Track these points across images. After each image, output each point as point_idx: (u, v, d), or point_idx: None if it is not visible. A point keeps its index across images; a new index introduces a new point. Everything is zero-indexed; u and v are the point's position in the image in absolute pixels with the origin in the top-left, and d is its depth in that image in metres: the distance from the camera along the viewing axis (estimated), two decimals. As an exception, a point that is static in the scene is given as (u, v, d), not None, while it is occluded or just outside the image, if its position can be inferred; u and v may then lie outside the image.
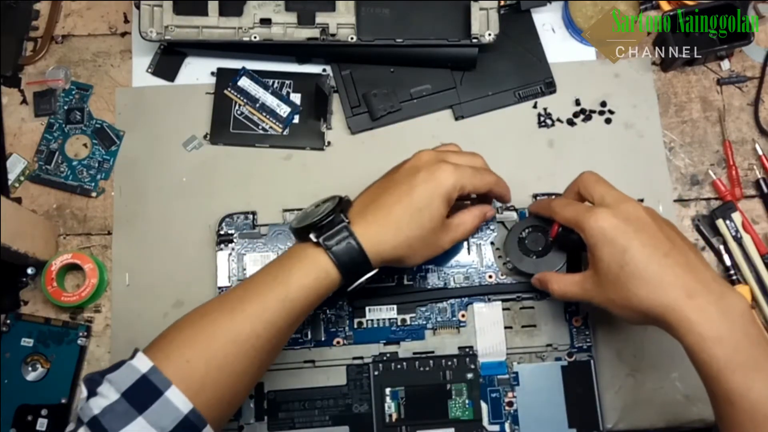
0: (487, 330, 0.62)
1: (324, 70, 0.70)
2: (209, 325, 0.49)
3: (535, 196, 0.65)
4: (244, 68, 0.69)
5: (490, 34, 0.66)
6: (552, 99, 0.69)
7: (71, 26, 0.71)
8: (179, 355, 0.47)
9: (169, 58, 0.70)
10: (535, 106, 0.69)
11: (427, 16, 0.67)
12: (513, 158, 0.67)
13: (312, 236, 0.51)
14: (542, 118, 0.69)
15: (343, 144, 0.68)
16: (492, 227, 0.65)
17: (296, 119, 0.68)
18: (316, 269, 0.51)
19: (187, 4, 0.66)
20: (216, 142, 0.68)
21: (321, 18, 0.66)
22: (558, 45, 0.70)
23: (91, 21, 0.72)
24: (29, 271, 0.63)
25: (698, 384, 0.49)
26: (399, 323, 0.63)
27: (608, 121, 0.69)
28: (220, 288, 0.63)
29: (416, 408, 0.61)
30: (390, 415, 0.61)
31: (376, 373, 0.61)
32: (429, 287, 0.63)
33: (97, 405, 0.45)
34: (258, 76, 0.69)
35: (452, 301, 0.63)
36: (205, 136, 0.68)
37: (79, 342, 0.63)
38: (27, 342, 0.63)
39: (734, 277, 0.65)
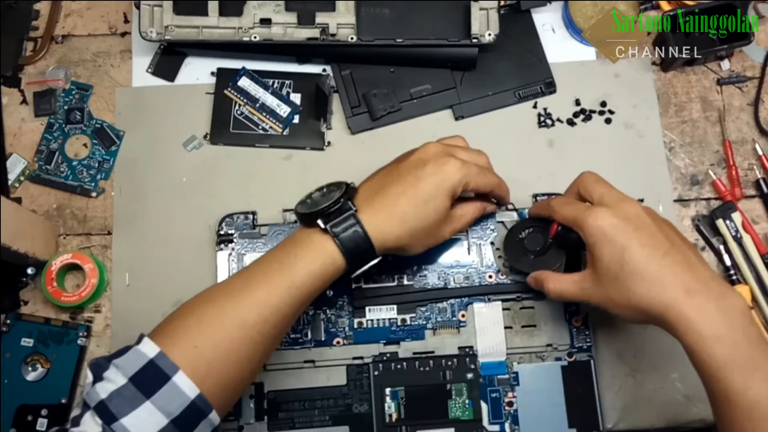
0: (487, 330, 0.62)
1: (324, 70, 0.70)
2: (216, 311, 0.49)
3: (535, 196, 0.65)
4: (244, 68, 0.69)
5: (490, 34, 0.66)
6: (552, 99, 0.69)
7: (71, 26, 0.71)
8: (186, 341, 0.47)
9: (169, 58, 0.70)
10: (535, 106, 0.69)
11: (427, 16, 0.67)
12: (513, 158, 0.67)
13: (320, 222, 0.52)
14: (542, 118, 0.69)
15: (343, 144, 0.68)
16: (492, 227, 0.65)
17: (296, 119, 0.68)
18: (323, 256, 0.51)
19: (187, 4, 0.66)
20: (216, 142, 0.68)
21: (321, 18, 0.66)
22: (558, 45, 0.70)
23: (91, 21, 0.72)
24: (29, 271, 0.63)
25: (698, 384, 0.49)
26: (399, 323, 0.63)
27: (608, 121, 0.69)
28: (220, 288, 0.63)
29: (416, 408, 0.61)
30: (390, 415, 0.61)
31: (376, 373, 0.61)
32: (429, 287, 0.63)
33: (104, 390, 0.45)
34: (258, 76, 0.69)
35: (452, 301, 0.63)
36: (205, 136, 0.68)
37: (79, 342, 0.63)
38: (27, 342, 0.63)
39: (734, 277, 0.65)
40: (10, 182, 0.67)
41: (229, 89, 0.68)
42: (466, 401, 0.61)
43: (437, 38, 0.66)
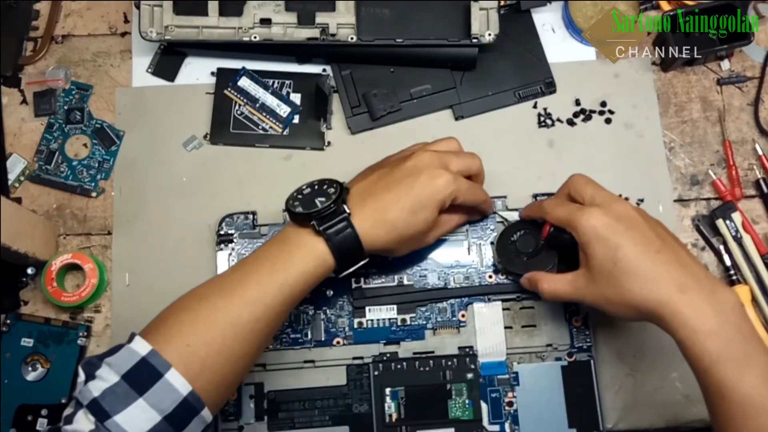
0: (487, 330, 0.62)
1: (324, 70, 0.70)
2: (209, 310, 0.50)
3: (535, 196, 0.65)
4: (244, 68, 0.69)
5: (490, 34, 0.66)
6: (552, 99, 0.69)
7: (71, 26, 0.71)
8: (179, 340, 0.48)
9: (169, 58, 0.70)
10: (535, 106, 0.69)
11: (427, 16, 0.67)
12: (513, 158, 0.67)
13: (314, 224, 0.52)
14: (542, 118, 0.69)
15: (343, 144, 0.68)
16: (492, 227, 0.65)
17: (296, 119, 0.68)
18: (315, 257, 0.52)
19: (187, 4, 0.66)
20: (216, 142, 0.68)
21: (321, 18, 0.66)
22: (558, 45, 0.70)
23: (91, 21, 0.72)
24: (29, 271, 0.63)
25: (698, 384, 0.49)
26: (399, 323, 0.63)
27: (608, 121, 0.69)
28: (220, 288, 0.63)
29: (416, 408, 0.61)
30: (390, 415, 0.61)
31: (376, 373, 0.61)
32: (429, 287, 0.63)
33: (97, 387, 0.46)
34: (258, 76, 0.69)
35: (452, 301, 0.63)
36: (205, 136, 0.68)
37: (79, 342, 0.63)
38: (27, 342, 0.63)
39: (734, 277, 0.65)
40: (10, 182, 0.67)
41: (229, 89, 0.68)
42: (466, 401, 0.61)
43: (437, 38, 0.66)
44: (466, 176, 0.58)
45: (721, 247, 0.65)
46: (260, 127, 0.68)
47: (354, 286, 0.63)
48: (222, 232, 0.64)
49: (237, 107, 0.68)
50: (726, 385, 0.46)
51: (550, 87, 0.69)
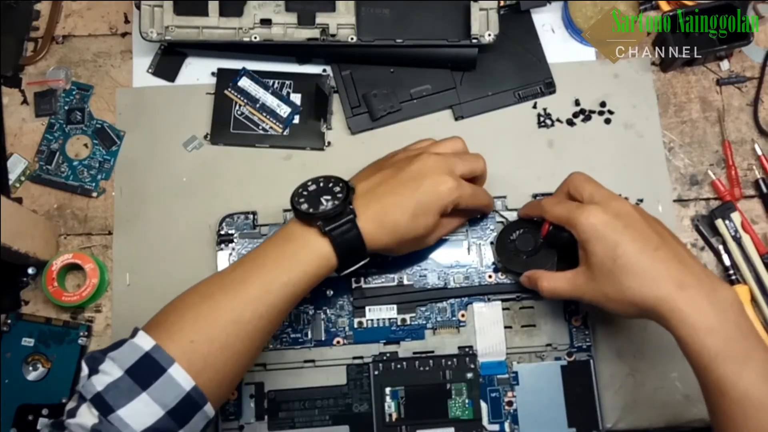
0: (487, 330, 0.62)
1: (324, 70, 0.70)
2: (211, 307, 0.50)
3: (534, 196, 0.66)
4: (244, 68, 0.69)
5: (489, 35, 0.66)
6: (552, 99, 0.69)
7: (72, 26, 0.71)
8: (183, 337, 0.48)
9: (169, 59, 0.70)
10: (534, 107, 0.69)
11: (427, 16, 0.67)
12: (513, 158, 0.68)
13: (320, 224, 0.52)
14: (542, 119, 0.69)
15: (343, 144, 0.68)
16: (492, 227, 0.65)
17: (296, 119, 0.68)
18: (319, 257, 0.52)
19: (188, 5, 0.66)
20: (216, 142, 0.68)
21: (321, 18, 0.66)
22: (558, 45, 0.70)
23: (91, 21, 0.72)
24: (30, 271, 0.63)
25: (698, 384, 0.49)
26: (399, 323, 0.63)
27: (608, 121, 0.69)
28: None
29: (416, 407, 0.61)
30: (390, 415, 0.61)
31: (376, 372, 0.61)
32: (429, 287, 0.63)
33: (100, 382, 0.46)
34: (258, 77, 0.69)
35: (452, 300, 0.63)
36: (205, 137, 0.68)
37: (79, 342, 0.63)
38: (28, 342, 0.63)
39: (733, 277, 0.65)
40: (10, 182, 0.67)
41: (229, 89, 0.69)
42: (466, 401, 0.61)
43: (437, 38, 0.66)
44: (469, 177, 0.58)
45: (721, 247, 0.65)
46: (260, 128, 0.68)
47: (354, 285, 0.63)
48: (222, 232, 0.64)
49: (237, 107, 0.68)
50: (725, 382, 0.47)
51: (549, 87, 0.69)
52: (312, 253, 0.52)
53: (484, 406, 0.61)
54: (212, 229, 0.65)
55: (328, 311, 0.63)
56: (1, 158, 0.68)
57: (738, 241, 0.65)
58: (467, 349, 0.62)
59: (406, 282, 0.64)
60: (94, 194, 0.67)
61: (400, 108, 0.68)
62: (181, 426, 0.47)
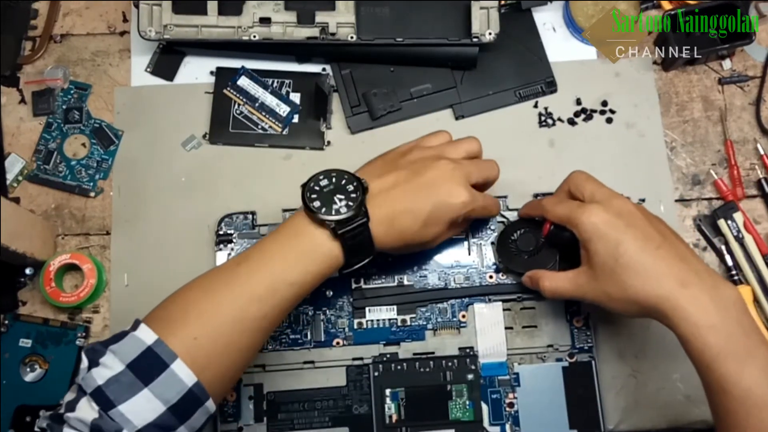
0: (488, 330, 0.62)
1: (324, 69, 0.69)
2: (215, 304, 0.50)
3: (535, 195, 0.65)
4: (243, 67, 0.69)
5: (490, 33, 0.65)
6: (553, 98, 0.69)
7: (70, 25, 0.71)
8: (186, 333, 0.48)
9: (168, 58, 0.70)
10: (535, 106, 0.69)
11: (427, 15, 0.67)
12: (513, 158, 0.67)
13: (333, 226, 0.51)
14: (543, 118, 0.68)
15: (343, 144, 0.68)
16: (492, 227, 0.64)
17: (296, 119, 0.68)
18: (328, 258, 0.52)
19: (187, 3, 0.65)
20: (215, 142, 0.68)
21: (321, 17, 0.65)
22: (559, 44, 0.70)
23: (89, 20, 0.71)
24: (27, 271, 0.63)
25: (700, 385, 0.49)
26: (399, 324, 0.62)
27: (609, 120, 0.68)
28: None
29: (416, 409, 0.60)
30: (390, 416, 0.60)
31: (376, 374, 0.61)
32: (429, 287, 0.63)
33: (101, 376, 0.45)
34: (257, 76, 0.68)
35: (453, 301, 0.63)
36: (204, 136, 0.68)
37: (77, 343, 0.63)
38: (25, 342, 0.63)
39: (736, 278, 0.64)
40: (8, 182, 0.67)
41: (228, 89, 0.68)
42: (467, 402, 0.61)
43: (437, 37, 0.66)
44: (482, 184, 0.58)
45: (723, 248, 0.65)
46: (260, 127, 0.68)
47: (354, 286, 0.63)
48: (221, 232, 0.64)
49: (236, 107, 0.68)
50: (727, 379, 0.47)
51: (550, 86, 0.69)
52: (322, 255, 0.52)
53: (484, 407, 0.61)
54: (211, 229, 0.65)
55: (328, 312, 0.63)
56: (-2, 158, 0.67)
57: (740, 241, 0.65)
58: (468, 350, 0.62)
59: (406, 282, 0.63)
60: (92, 194, 0.67)
61: (400, 107, 0.68)
62: (182, 422, 0.47)
